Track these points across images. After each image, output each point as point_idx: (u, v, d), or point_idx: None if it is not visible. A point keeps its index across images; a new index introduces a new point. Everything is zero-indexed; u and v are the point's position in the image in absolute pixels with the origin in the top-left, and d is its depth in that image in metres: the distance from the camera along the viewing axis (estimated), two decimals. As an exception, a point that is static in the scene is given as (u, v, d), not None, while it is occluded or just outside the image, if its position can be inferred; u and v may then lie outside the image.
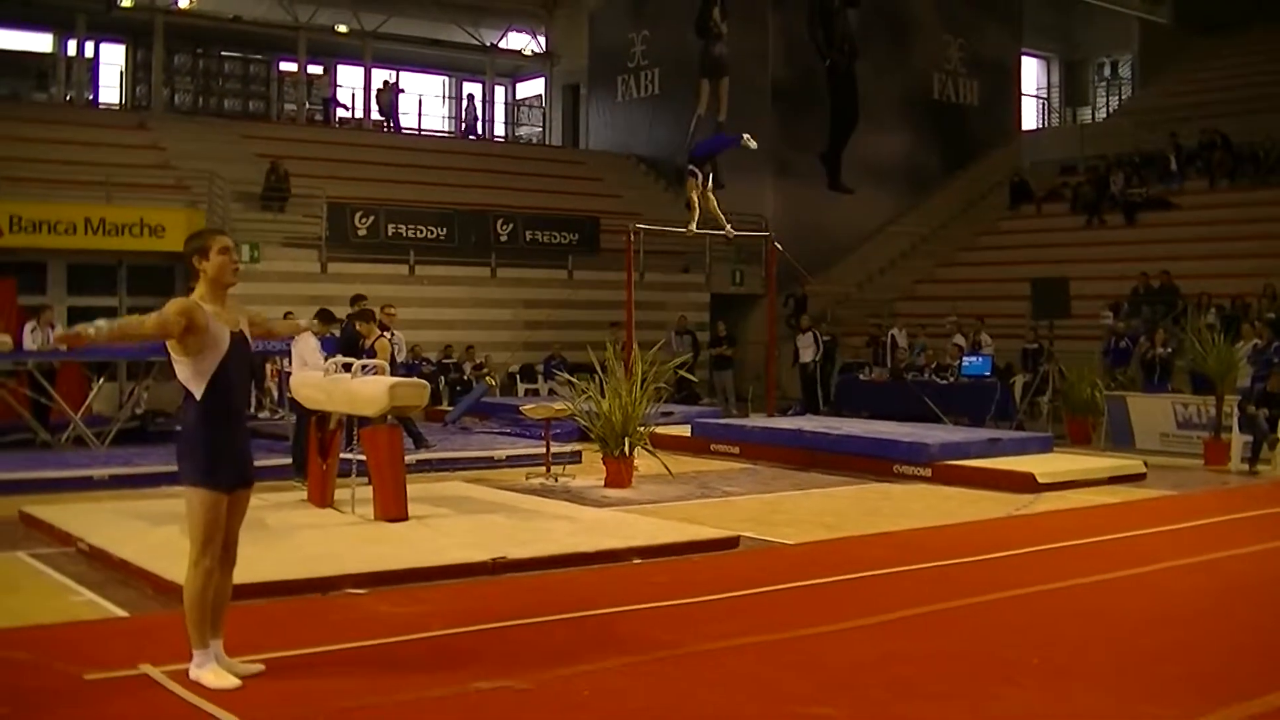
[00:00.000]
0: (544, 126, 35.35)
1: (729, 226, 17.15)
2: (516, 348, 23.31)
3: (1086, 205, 25.98)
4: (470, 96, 33.76)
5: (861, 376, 20.68)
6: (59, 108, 27.54)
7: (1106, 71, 37.40)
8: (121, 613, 6.99)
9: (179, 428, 5.58)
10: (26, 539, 9.17)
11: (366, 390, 9.57)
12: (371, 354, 11.18)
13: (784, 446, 14.91)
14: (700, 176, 16.15)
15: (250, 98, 31.61)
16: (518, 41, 34.53)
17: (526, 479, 12.70)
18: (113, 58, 30.02)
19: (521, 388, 22.22)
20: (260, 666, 5.51)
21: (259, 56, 31.46)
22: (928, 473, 13.20)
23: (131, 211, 19.52)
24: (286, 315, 18.25)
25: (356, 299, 13.85)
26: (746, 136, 16.63)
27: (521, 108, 36.49)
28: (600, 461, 12.61)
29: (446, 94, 34.70)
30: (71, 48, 28.63)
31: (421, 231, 23.27)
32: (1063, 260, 22.99)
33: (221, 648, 5.43)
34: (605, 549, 8.60)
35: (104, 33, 29.23)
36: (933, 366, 19.49)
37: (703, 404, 20.77)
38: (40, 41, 29.46)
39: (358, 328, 12.07)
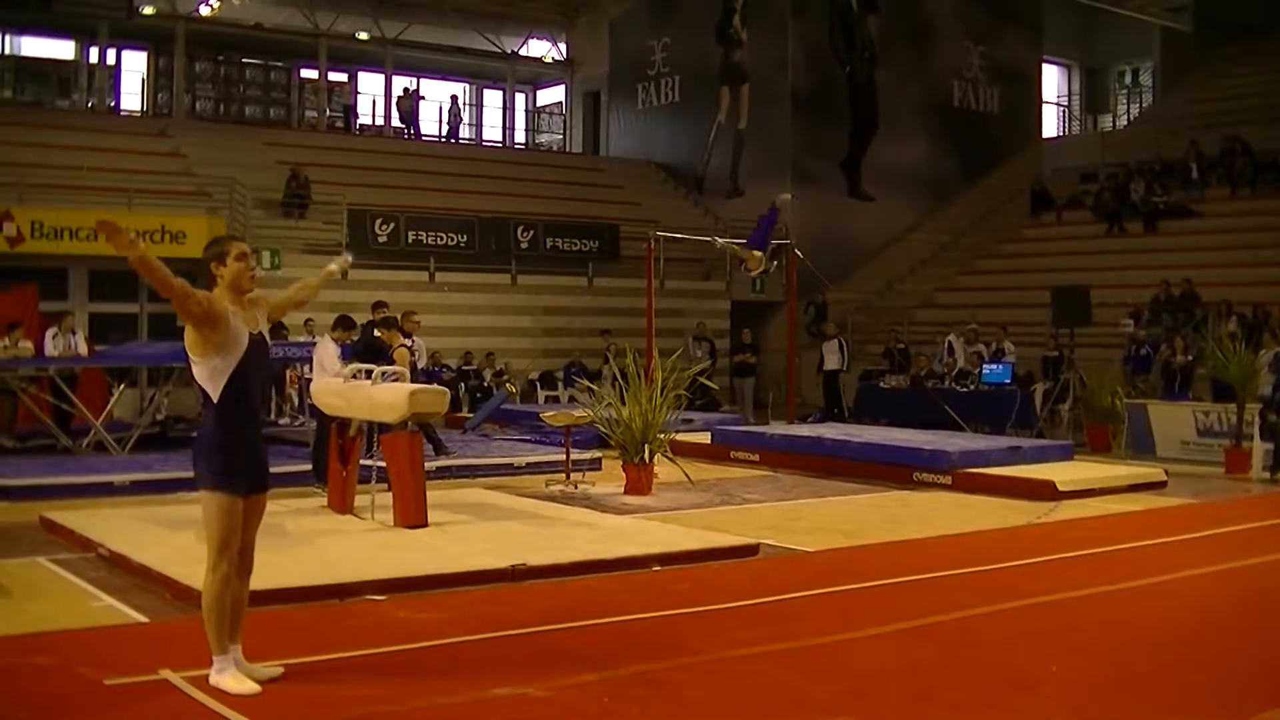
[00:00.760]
0: (564, 133, 35.43)
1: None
2: (536, 354, 23.35)
3: (1107, 213, 25.85)
4: (454, 98, 33.47)
5: (882, 384, 20.66)
6: (81, 115, 27.66)
7: (1127, 79, 37.28)
8: (142, 618, 7.00)
9: (195, 433, 5.59)
10: (47, 544, 9.18)
11: (387, 397, 9.56)
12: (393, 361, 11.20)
13: (804, 454, 14.90)
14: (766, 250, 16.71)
15: (271, 105, 31.66)
16: (538, 49, 34.58)
17: (546, 486, 12.69)
18: (134, 65, 30.14)
19: (541, 394, 22.25)
20: (280, 671, 5.53)
21: (280, 64, 31.54)
22: (948, 480, 13.14)
23: (153, 218, 19.57)
24: (307, 323, 18.53)
25: (378, 305, 13.87)
26: (782, 199, 17.59)
27: (542, 115, 36.55)
28: (620, 468, 12.60)
29: (467, 101, 34.73)
30: (93, 55, 28.74)
31: (442, 238, 23.37)
32: (1083, 268, 22.95)
33: (241, 653, 5.45)
34: (625, 556, 8.58)
35: (126, 40, 29.33)
36: (953, 374, 19.44)
37: (723, 411, 20.75)
38: (62, 49, 29.59)
39: (378, 334, 12.09)
